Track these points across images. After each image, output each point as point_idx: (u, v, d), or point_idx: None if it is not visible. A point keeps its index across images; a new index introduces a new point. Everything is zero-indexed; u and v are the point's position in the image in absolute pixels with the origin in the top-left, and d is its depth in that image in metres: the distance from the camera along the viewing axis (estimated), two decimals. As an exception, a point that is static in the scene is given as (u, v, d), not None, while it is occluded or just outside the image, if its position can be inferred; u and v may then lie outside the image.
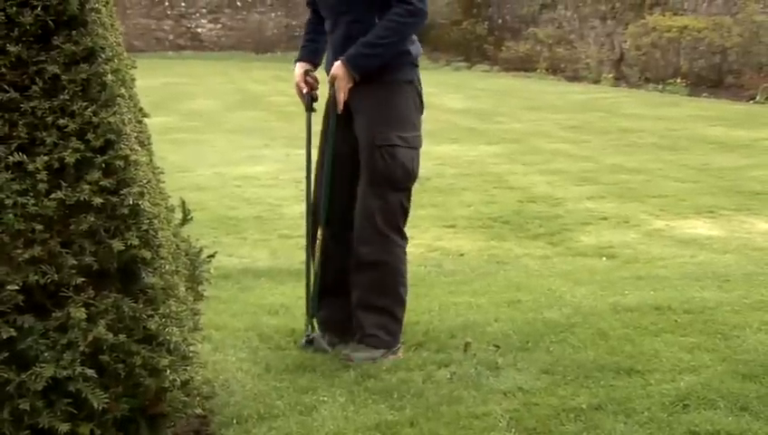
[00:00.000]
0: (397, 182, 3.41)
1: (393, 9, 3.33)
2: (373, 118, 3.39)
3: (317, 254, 3.56)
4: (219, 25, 23.90)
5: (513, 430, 2.77)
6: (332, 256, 3.53)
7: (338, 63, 3.36)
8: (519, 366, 3.27)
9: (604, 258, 5.47)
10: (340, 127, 3.46)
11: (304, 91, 3.56)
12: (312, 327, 3.58)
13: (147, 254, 2.20)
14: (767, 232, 6.13)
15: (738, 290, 4.27)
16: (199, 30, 24.04)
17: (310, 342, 3.54)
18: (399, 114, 3.41)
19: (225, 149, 9.91)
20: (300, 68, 3.58)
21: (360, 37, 3.36)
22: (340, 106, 3.39)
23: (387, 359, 3.39)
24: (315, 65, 3.62)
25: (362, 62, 3.34)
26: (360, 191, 3.44)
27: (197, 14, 24.02)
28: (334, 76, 3.37)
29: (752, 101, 14.01)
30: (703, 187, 7.68)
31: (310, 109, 3.57)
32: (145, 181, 2.24)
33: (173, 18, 23.87)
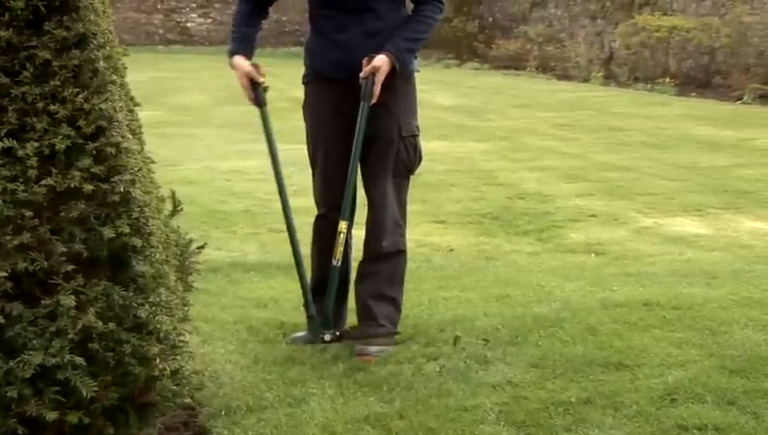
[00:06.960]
0: (413, 171, 3.50)
1: (426, 5, 3.41)
2: (398, 110, 3.43)
3: (314, 248, 3.55)
4: (209, 20, 23.80)
5: (503, 422, 2.77)
6: (328, 246, 3.48)
7: (384, 57, 3.32)
8: (508, 360, 3.27)
9: (593, 255, 5.49)
10: (340, 117, 3.44)
11: (260, 81, 3.46)
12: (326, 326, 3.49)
13: (137, 242, 2.18)
14: (754, 230, 6.16)
15: (725, 287, 4.28)
16: (189, 24, 23.93)
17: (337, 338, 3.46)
18: (415, 104, 3.51)
19: (214, 143, 9.88)
20: (244, 60, 3.47)
21: (380, 32, 3.37)
22: (375, 99, 3.35)
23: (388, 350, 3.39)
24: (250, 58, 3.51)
25: (406, 57, 3.40)
26: (377, 183, 3.43)
27: (187, 9, 23.92)
28: (376, 69, 3.32)
29: (739, 102, 14.05)
30: (691, 185, 7.71)
31: (264, 104, 3.48)
32: (136, 169, 2.22)
33: (163, 12, 23.77)
